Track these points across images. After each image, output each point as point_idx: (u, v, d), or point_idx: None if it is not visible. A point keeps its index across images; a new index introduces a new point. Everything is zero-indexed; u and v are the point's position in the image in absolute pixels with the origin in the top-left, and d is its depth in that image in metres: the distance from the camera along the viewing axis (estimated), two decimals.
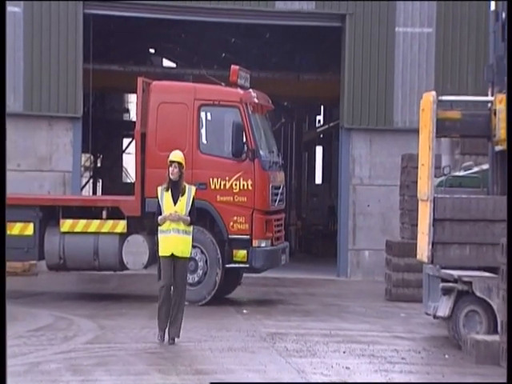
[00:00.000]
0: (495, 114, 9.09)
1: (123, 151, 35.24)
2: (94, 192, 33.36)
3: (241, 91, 12.58)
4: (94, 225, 12.44)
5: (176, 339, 8.92)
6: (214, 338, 9.46)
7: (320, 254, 21.56)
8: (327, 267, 17.60)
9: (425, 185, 9.18)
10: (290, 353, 8.82)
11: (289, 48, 24.41)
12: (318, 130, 28.00)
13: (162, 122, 12.44)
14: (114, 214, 12.47)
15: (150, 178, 12.22)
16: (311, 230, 24.00)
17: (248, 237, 12.14)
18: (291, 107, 28.76)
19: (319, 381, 7.58)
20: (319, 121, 28.74)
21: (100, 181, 34.27)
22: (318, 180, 30.08)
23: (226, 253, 12.19)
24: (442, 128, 9.18)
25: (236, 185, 12.19)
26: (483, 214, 9.10)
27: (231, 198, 12.18)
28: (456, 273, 9.16)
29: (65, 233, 12.45)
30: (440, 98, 9.17)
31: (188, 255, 9.07)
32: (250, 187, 12.17)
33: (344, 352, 8.97)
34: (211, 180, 12.18)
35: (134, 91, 12.88)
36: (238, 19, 17.58)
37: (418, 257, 9.44)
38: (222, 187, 12.19)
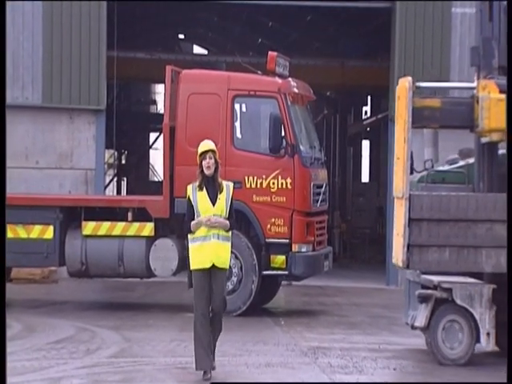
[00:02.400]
0: (478, 101, 8.94)
1: (150, 147, 35.48)
2: (119, 191, 33.61)
3: (279, 80, 12.57)
4: (118, 227, 12.53)
5: None
6: (249, 353, 9.47)
7: (367, 260, 21.48)
8: (375, 275, 17.53)
9: (400, 181, 9.01)
10: (335, 369, 8.79)
11: (332, 32, 24.33)
12: (365, 122, 27.89)
13: (192, 115, 12.49)
14: (141, 215, 12.56)
15: (180, 176, 12.28)
16: (357, 233, 23.92)
17: (287, 241, 12.14)
18: (335, 97, 28.69)
19: None
20: (366, 112, 28.62)
21: (125, 179, 34.53)
22: (365, 178, 29.95)
23: (262, 258, 12.20)
24: (420, 118, 9.00)
25: (274, 183, 12.20)
26: (464, 214, 8.91)
27: (268, 198, 12.19)
28: (436, 278, 9.04)
29: (87, 236, 12.56)
30: (417, 84, 9.03)
31: (228, 266, 8.24)
32: (289, 186, 12.17)
33: (394, 369, 8.93)
34: (246, 178, 12.20)
35: (162, 81, 12.94)
36: (275, 0, 17.58)
37: (393, 261, 9.28)
38: (258, 186, 12.20)
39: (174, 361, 8.97)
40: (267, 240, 12.17)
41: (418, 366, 9.07)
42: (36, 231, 12.55)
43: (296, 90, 12.80)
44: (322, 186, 12.80)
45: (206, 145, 8.21)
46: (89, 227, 12.55)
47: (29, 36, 16.00)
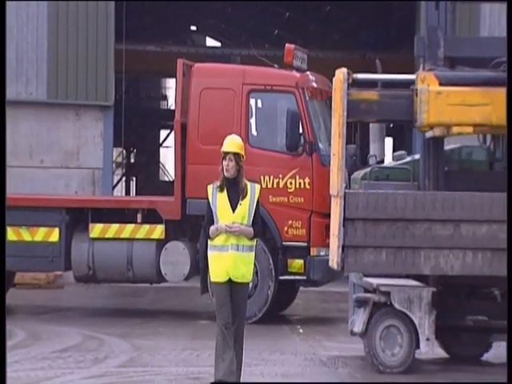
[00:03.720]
0: (417, 94, 8.86)
1: (160, 145, 35.57)
2: (128, 192, 33.73)
3: (297, 74, 12.57)
4: (127, 230, 12.56)
5: None
6: (266, 362, 9.47)
7: None
8: None
9: (335, 178, 8.94)
10: (356, 379, 8.77)
11: (353, 23, 24.31)
12: None
13: (205, 111, 12.50)
14: (151, 217, 12.58)
15: (192, 176, 12.30)
16: None
17: (305, 244, 12.13)
18: None
19: None
20: None
21: (134, 179, 34.64)
22: None
23: (279, 263, 12.20)
24: (356, 111, 8.94)
25: (291, 183, 12.19)
26: (402, 213, 8.79)
27: (286, 199, 12.18)
28: (375, 281, 9.01)
29: (94, 239, 12.59)
30: (354, 75, 8.95)
31: (250, 279, 7.70)
32: (307, 186, 12.16)
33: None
34: (262, 178, 12.19)
35: (173, 75, 12.97)
36: None
37: (329, 263, 9.17)
38: (274, 186, 12.20)
39: (185, 371, 8.98)
40: (284, 243, 12.16)
41: (449, 377, 9.04)
42: (41, 234, 12.59)
43: (314, 85, 12.79)
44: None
45: (231, 144, 7.61)
46: (96, 229, 12.58)
47: (33, 28, 16.08)
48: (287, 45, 12.72)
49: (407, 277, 9.19)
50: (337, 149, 8.87)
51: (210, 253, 7.61)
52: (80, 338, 10.82)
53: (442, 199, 8.80)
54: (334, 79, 9.00)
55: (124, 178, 34.43)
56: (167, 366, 9.20)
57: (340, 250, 8.75)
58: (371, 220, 8.76)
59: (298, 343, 10.78)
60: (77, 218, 12.76)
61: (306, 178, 12.16)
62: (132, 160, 34.32)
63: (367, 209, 8.76)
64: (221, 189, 7.55)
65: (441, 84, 8.82)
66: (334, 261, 8.88)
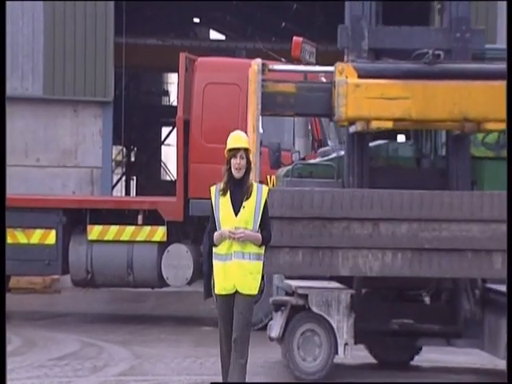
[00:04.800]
0: (335, 87, 8.78)
1: (162, 142, 35.59)
2: (128, 192, 33.76)
3: None
4: (127, 232, 12.57)
5: None
6: (272, 370, 9.46)
7: None
8: None
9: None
10: None
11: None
12: None
13: (209, 107, 12.50)
14: (152, 218, 12.59)
15: (195, 175, 12.31)
16: None
17: None
18: None
19: None
20: None
21: (134, 178, 34.66)
22: None
23: None
24: (272, 104, 8.92)
25: None
26: (319, 211, 8.73)
27: None
28: (294, 283, 9.01)
29: (93, 241, 12.61)
30: (270, 66, 8.95)
31: (256, 291, 7.23)
32: None
33: None
34: (269, 178, 12.19)
35: (176, 70, 12.97)
36: None
37: None
38: None
39: (188, 379, 8.98)
40: None
41: None
42: (37, 236, 12.62)
43: (324, 80, 12.77)
44: None
45: (239, 139, 7.21)
46: (95, 231, 12.60)
47: (29, 21, 16.10)
48: (295, 38, 12.71)
49: (331, 278, 9.13)
50: (252, 143, 8.70)
51: (214, 262, 7.25)
52: (78, 346, 10.84)
53: (361, 197, 8.71)
54: (249, 70, 8.95)
55: (124, 178, 34.46)
56: (169, 375, 9.21)
57: None
58: (287, 219, 8.66)
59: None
60: (74, 219, 12.78)
61: None
62: (132, 159, 34.34)
63: (282, 207, 8.66)
64: (223, 192, 7.13)
65: (360, 76, 8.75)
66: None
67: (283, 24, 28.02)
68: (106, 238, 12.59)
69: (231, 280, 7.10)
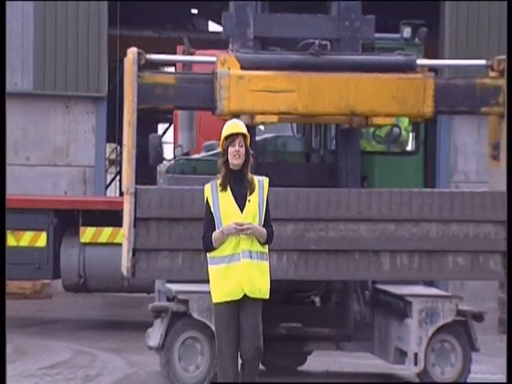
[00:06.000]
0: (217, 79, 8.64)
1: None
2: (122, 192, 33.72)
3: None
4: (122, 234, 12.56)
5: None
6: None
7: None
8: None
9: (126, 172, 8.78)
10: None
11: (367, 9, 24.26)
12: None
13: None
14: None
15: None
16: None
17: None
18: None
19: None
20: None
21: None
22: None
23: None
24: (150, 97, 8.65)
25: None
26: (199, 212, 8.32)
27: None
28: (174, 288, 8.92)
29: (86, 244, 12.63)
30: (148, 56, 8.79)
31: (267, 295, 6.76)
32: None
33: None
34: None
35: (173, 63, 12.98)
36: None
37: (122, 269, 8.90)
38: None
39: None
40: None
41: None
42: (27, 238, 12.63)
43: None
44: None
45: (235, 125, 6.81)
46: (88, 234, 12.61)
47: (18, 14, 16.11)
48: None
49: None
50: (127, 139, 8.61)
51: (212, 267, 6.70)
52: (70, 354, 10.85)
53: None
54: (124, 60, 8.80)
55: (118, 177, 34.46)
56: None
57: (131, 253, 8.52)
58: (166, 220, 8.53)
59: (310, 359, 10.79)
60: (66, 220, 12.80)
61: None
62: None
63: (161, 207, 8.52)
64: (223, 187, 6.69)
65: (243, 67, 8.65)
66: (124, 266, 8.64)
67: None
68: (99, 241, 12.60)
69: (238, 283, 6.58)
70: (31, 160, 16.45)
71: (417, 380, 9.12)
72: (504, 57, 9.00)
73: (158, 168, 10.62)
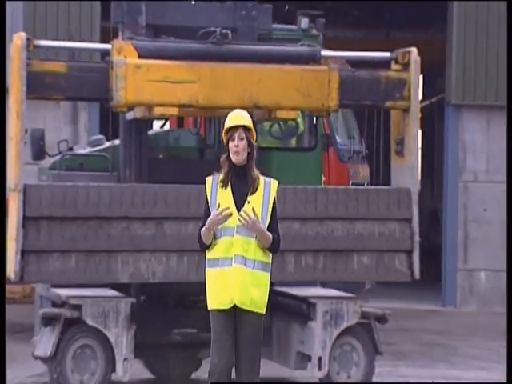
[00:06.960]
0: (113, 68, 8.49)
1: None
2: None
3: None
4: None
5: None
6: None
7: (419, 275, 21.37)
8: (429, 293, 17.51)
9: (13, 168, 8.52)
10: None
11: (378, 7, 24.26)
12: None
13: None
14: None
15: None
16: None
17: None
18: None
19: None
20: None
21: None
22: None
23: None
24: (40, 86, 8.44)
25: None
26: (95, 210, 8.48)
27: None
28: (65, 293, 8.74)
29: None
30: (37, 41, 8.57)
31: (264, 309, 6.25)
32: (322, 184, 12.14)
33: None
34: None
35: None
36: None
37: (7, 273, 8.66)
38: None
39: None
40: None
41: None
42: None
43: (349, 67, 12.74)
44: (362, 185, 12.78)
45: (237, 117, 6.40)
46: None
47: (8, 13, 16.02)
48: None
49: (106, 285, 8.92)
50: (14, 131, 8.45)
51: (207, 270, 6.33)
52: None
53: (142, 193, 8.54)
54: (11, 46, 8.55)
55: None
56: None
57: (19, 255, 8.35)
58: (58, 219, 8.43)
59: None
60: None
61: (322, 175, 12.14)
62: None
63: (53, 205, 8.40)
64: (224, 184, 6.31)
65: (140, 56, 8.55)
66: (11, 270, 8.44)
67: (286, 7, 27.95)
68: None
69: (227, 291, 6.16)
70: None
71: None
72: (409, 49, 8.99)
73: (39, 164, 10.44)
